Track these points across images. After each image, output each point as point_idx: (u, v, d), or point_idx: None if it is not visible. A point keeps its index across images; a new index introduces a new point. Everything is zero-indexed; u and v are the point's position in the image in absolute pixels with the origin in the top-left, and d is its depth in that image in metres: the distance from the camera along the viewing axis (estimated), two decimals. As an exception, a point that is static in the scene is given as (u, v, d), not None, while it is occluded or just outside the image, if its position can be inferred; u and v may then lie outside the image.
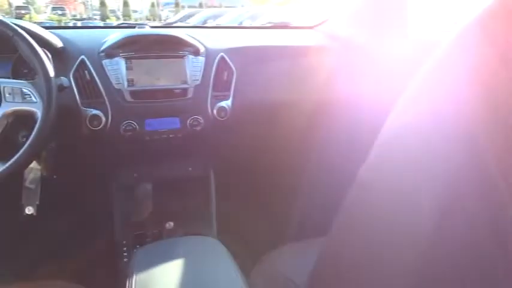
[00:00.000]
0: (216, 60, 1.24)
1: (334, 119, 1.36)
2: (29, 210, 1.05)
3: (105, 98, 1.11)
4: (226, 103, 1.21)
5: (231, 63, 1.25)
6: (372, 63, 1.33)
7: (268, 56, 1.35)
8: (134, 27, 1.55)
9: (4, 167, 0.84)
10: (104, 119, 1.10)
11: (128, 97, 1.13)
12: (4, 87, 0.89)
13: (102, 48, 1.17)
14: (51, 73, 0.92)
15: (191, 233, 1.18)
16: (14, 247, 1.32)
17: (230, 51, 1.28)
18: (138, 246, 1.12)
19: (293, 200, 1.53)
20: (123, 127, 1.11)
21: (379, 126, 0.45)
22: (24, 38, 0.91)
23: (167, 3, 12.10)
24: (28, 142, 0.86)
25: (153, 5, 11.31)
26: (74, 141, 1.12)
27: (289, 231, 1.44)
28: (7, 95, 0.88)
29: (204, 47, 1.26)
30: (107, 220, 1.21)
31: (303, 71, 1.33)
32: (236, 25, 1.84)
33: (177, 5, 10.78)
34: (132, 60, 1.17)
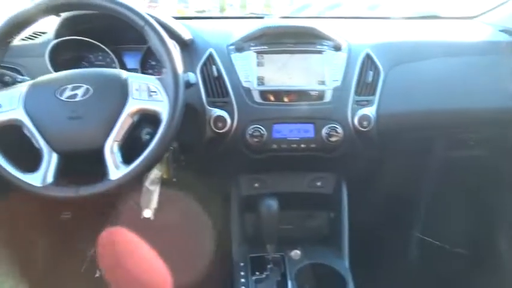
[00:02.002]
0: (360, 58, 1.04)
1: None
2: (147, 213, 0.99)
3: (232, 97, 0.99)
4: (370, 110, 1.00)
5: (378, 62, 1.04)
6: None
7: (422, 53, 1.10)
8: (263, 18, 1.42)
9: (129, 169, 0.78)
10: (229, 121, 0.98)
11: (257, 97, 1.00)
12: (132, 82, 0.82)
13: (231, 41, 1.06)
14: (180, 69, 0.82)
15: (318, 263, 1.00)
16: None
17: (377, 48, 1.06)
18: (257, 272, 0.99)
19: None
20: (250, 132, 0.98)
21: None
22: (155, 29, 0.83)
23: (283, -6, 12.07)
24: (153, 144, 0.79)
25: (269, -4, 11.35)
26: (196, 143, 1.02)
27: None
28: (134, 91, 0.81)
29: (346, 41, 1.06)
30: (225, 234, 1.11)
31: (472, 73, 1.05)
32: (379, 16, 1.58)
33: (292, -5, 10.65)
34: (264, 55, 1.03)
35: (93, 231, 1.45)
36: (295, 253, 0.96)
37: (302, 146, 1.00)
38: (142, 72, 1.10)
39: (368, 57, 1.04)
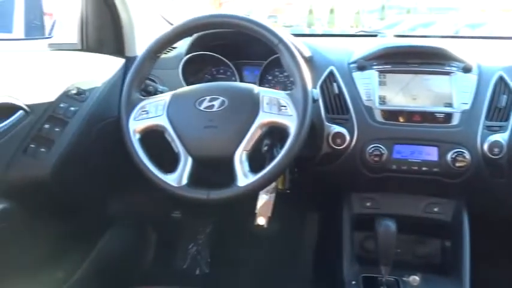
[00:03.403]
0: (493, 81, 0.98)
1: None
2: (261, 220, 1.03)
3: (353, 115, 1.00)
4: (502, 137, 0.94)
5: None
6: None
7: None
8: (376, 36, 1.41)
9: (256, 177, 0.81)
10: (348, 138, 0.98)
11: (379, 117, 0.99)
12: (263, 96, 0.86)
13: (353, 59, 1.07)
14: (310, 86, 0.85)
15: None
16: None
17: (511, 71, 0.99)
18: (370, 293, 0.98)
19: None
20: (370, 150, 0.97)
21: None
22: (288, 47, 0.86)
23: (371, 11, 11.83)
24: (280, 155, 0.81)
25: (358, 12, 11.20)
26: (311, 157, 1.04)
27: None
28: (265, 105, 0.85)
29: (477, 63, 1.01)
30: (334, 250, 1.11)
31: None
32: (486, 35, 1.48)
33: (382, 10, 10.39)
34: (386, 75, 1.03)
35: (197, 231, 1.54)
36: (414, 279, 0.92)
37: (423, 168, 0.97)
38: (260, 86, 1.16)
39: (501, 80, 0.98)
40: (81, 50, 1.18)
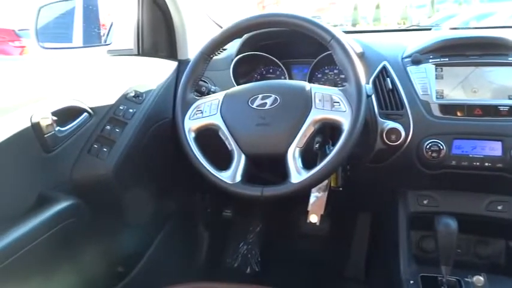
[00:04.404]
0: None
1: None
2: (314, 218, 1.02)
3: (408, 110, 0.97)
4: None
5: None
6: None
7: None
8: (430, 29, 1.36)
9: (310, 174, 0.81)
10: (403, 133, 0.96)
11: (436, 111, 0.95)
12: (315, 93, 0.85)
13: (407, 54, 1.04)
14: (363, 81, 0.83)
15: None
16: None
17: None
18: (430, 292, 0.94)
19: None
20: (427, 146, 0.94)
21: None
22: (341, 43, 0.85)
23: (420, 6, 11.38)
24: (334, 152, 0.80)
25: (405, 7, 10.82)
26: (364, 154, 1.02)
27: None
28: (317, 102, 0.84)
29: None
30: (390, 249, 1.08)
31: None
32: None
33: (432, 5, 9.96)
34: (443, 68, 0.99)
35: (247, 231, 1.56)
36: (478, 279, 0.87)
37: (486, 164, 0.92)
38: None
39: None
40: (137, 54, 1.24)
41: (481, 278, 0.87)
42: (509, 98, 0.93)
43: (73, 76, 1.00)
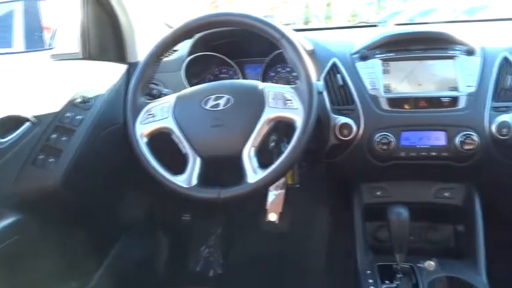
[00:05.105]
0: (497, 62, 0.98)
1: None
2: (273, 216, 1.03)
3: (358, 105, 1.00)
4: (510, 117, 0.93)
5: None
6: None
7: None
8: (376, 26, 1.41)
9: (266, 173, 0.81)
10: (355, 128, 0.98)
11: (384, 105, 0.99)
12: (268, 91, 0.86)
13: (355, 50, 1.07)
14: (314, 78, 0.84)
15: (453, 276, 0.95)
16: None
17: None
18: (386, 281, 0.97)
19: None
20: (377, 139, 0.97)
21: None
22: (291, 41, 0.86)
23: (369, 3, 11.77)
24: (288, 150, 0.81)
25: (355, 5, 11.15)
26: (318, 150, 1.04)
27: None
28: (270, 100, 0.84)
29: (480, 45, 1.00)
30: (347, 241, 1.10)
31: None
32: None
33: (378, 2, 10.33)
34: (390, 63, 1.02)
35: (208, 233, 1.54)
36: (429, 264, 0.91)
37: (432, 154, 0.97)
38: None
39: (506, 61, 0.98)
40: (83, 58, 1.18)
41: (432, 263, 0.92)
42: (450, 90, 0.98)
43: (13, 83, 0.94)
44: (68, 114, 0.98)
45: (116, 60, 1.22)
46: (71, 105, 1.00)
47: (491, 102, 0.95)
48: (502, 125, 0.92)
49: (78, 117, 0.99)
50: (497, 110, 0.94)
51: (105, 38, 1.22)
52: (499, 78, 0.97)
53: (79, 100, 1.02)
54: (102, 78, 1.12)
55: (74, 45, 1.20)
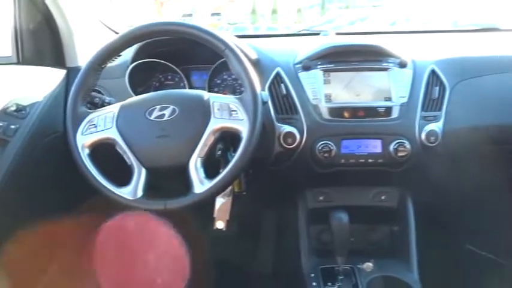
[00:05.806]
0: (426, 74, 1.06)
1: None
2: (220, 224, 1.04)
3: (301, 114, 1.03)
4: (437, 126, 1.02)
5: (443, 78, 1.06)
6: None
7: (486, 68, 1.11)
8: (319, 34, 1.46)
9: (213, 183, 0.82)
10: (298, 136, 1.02)
11: (326, 114, 1.03)
12: (213, 102, 0.86)
13: (298, 60, 1.10)
14: (258, 89, 0.86)
15: (389, 275, 1.02)
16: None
17: (441, 64, 1.08)
18: (329, 283, 1.02)
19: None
20: (319, 147, 1.01)
21: None
22: (235, 52, 0.87)
23: (312, 5, 12.11)
24: (235, 159, 0.82)
25: (299, 10, 11.44)
26: (264, 157, 1.07)
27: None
28: (216, 111, 0.85)
29: (411, 58, 1.08)
30: (292, 245, 1.14)
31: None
32: (440, 29, 1.56)
33: (322, 7, 10.67)
34: (330, 73, 1.07)
35: None
36: (367, 265, 0.98)
37: (370, 160, 1.03)
38: (209, 91, 1.16)
39: (433, 73, 1.06)
40: (17, 63, 1.12)
41: (370, 264, 0.98)
42: (385, 100, 1.04)
43: None
44: (0, 124, 0.92)
45: (54, 64, 1.16)
46: (4, 114, 0.95)
47: (420, 111, 1.03)
48: (430, 133, 1.01)
49: (12, 126, 0.94)
50: (426, 119, 1.03)
51: (41, 41, 1.16)
52: (428, 89, 1.05)
53: (13, 108, 0.97)
54: (38, 84, 1.07)
55: (7, 48, 1.13)
